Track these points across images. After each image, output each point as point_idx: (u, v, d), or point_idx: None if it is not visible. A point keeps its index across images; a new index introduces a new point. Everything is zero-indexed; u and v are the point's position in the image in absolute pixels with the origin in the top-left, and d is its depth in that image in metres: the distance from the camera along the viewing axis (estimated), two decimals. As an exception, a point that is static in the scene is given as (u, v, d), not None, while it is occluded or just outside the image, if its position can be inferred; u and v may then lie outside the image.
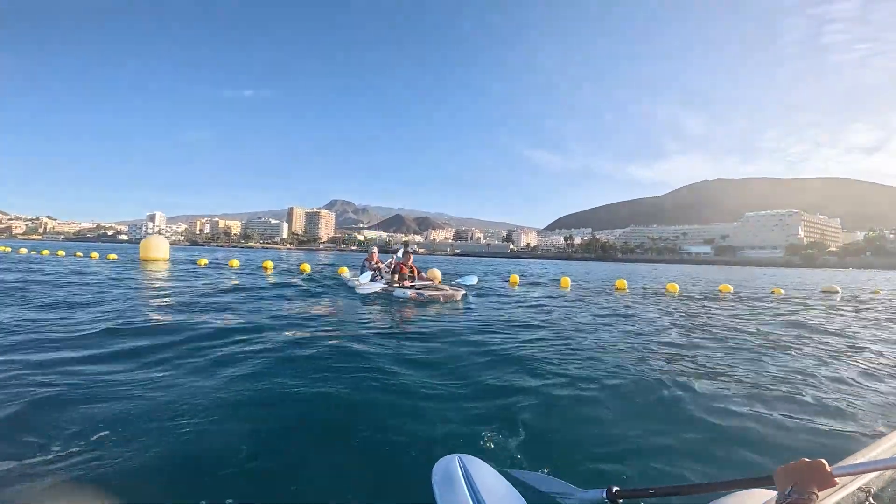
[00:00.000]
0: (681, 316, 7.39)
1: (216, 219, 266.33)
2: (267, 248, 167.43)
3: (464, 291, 8.78)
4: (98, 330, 4.39)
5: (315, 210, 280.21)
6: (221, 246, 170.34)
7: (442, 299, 8.12)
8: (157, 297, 7.24)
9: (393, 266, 9.43)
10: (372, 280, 9.41)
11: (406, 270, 9.16)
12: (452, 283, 10.52)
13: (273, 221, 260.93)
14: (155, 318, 5.19)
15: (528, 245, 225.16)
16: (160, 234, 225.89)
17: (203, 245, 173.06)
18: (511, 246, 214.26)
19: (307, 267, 15.31)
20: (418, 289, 8.52)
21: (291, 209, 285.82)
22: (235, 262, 16.60)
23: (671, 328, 6.01)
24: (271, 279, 11.31)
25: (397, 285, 8.78)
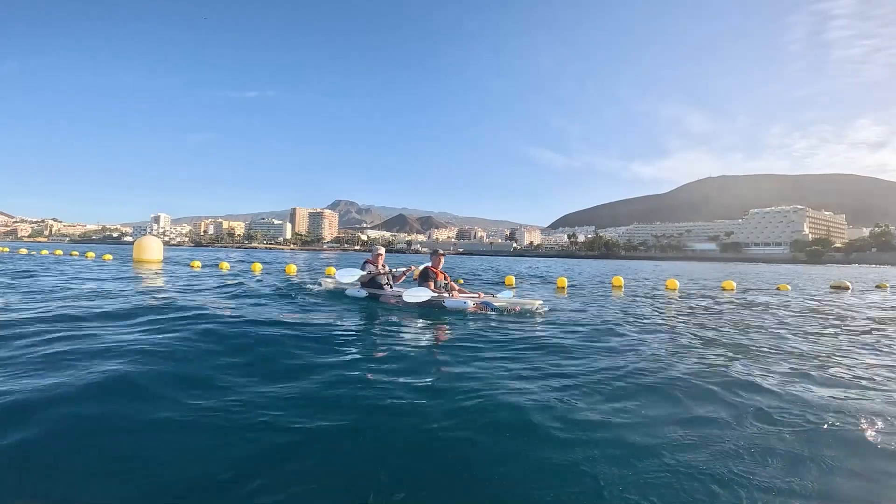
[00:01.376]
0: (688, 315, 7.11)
1: (220, 220, 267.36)
2: (270, 248, 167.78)
3: (541, 301, 6.98)
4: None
5: (318, 210, 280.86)
6: (225, 247, 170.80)
7: (517, 309, 6.54)
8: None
9: (421, 271, 7.40)
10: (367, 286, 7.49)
11: (442, 277, 7.23)
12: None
13: (276, 222, 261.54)
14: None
15: (531, 243, 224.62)
16: (164, 235, 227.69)
17: (206, 246, 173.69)
18: (514, 244, 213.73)
19: (293, 268, 14.95)
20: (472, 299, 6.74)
21: (294, 209, 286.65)
22: (226, 265, 16.38)
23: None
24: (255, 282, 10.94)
25: (446, 294, 6.88)
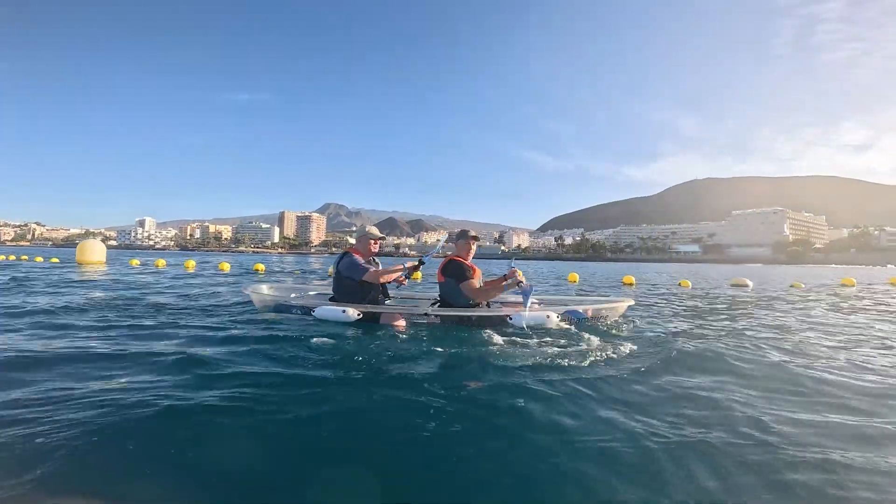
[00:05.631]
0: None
1: (207, 223, 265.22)
2: (258, 252, 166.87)
3: (632, 301, 4.96)
4: None
5: (306, 213, 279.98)
6: (211, 251, 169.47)
7: (608, 317, 4.59)
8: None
9: (447, 263, 4.35)
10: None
11: (479, 275, 4.36)
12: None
13: (264, 226, 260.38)
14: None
15: (519, 246, 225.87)
16: (149, 239, 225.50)
17: (193, 250, 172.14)
18: (502, 247, 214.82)
19: (226, 265, 15.03)
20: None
21: (283, 213, 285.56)
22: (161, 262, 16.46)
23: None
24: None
25: (516, 308, 4.12)
